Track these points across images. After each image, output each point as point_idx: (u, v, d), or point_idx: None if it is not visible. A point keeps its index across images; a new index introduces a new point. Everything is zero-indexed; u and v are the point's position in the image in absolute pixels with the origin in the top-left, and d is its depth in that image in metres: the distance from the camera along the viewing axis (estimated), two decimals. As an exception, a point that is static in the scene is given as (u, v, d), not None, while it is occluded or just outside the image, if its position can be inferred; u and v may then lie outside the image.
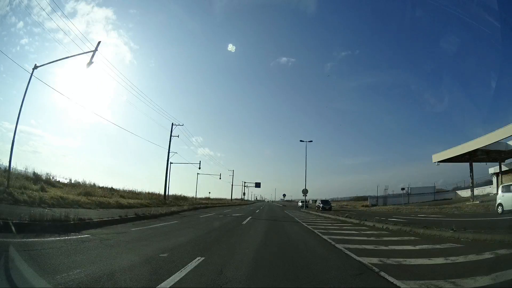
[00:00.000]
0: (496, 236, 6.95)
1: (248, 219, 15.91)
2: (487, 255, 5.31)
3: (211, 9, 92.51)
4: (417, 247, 6.55)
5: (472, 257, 5.20)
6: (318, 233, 9.83)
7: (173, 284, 3.38)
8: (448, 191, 47.57)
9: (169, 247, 5.83)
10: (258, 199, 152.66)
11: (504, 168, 29.99)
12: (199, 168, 41.64)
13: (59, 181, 20.23)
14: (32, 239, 5.65)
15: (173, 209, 19.08)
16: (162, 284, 3.33)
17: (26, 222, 6.59)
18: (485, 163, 31.86)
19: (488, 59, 43.24)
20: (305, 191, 35.84)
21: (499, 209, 15.47)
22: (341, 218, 16.89)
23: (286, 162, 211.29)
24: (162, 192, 29.96)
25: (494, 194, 23.42)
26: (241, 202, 70.81)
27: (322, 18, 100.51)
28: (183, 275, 3.77)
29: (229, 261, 4.83)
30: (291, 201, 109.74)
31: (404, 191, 39.12)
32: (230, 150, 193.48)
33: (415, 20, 37.57)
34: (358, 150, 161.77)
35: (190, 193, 51.83)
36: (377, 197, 49.42)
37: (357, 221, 14.07)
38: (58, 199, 12.25)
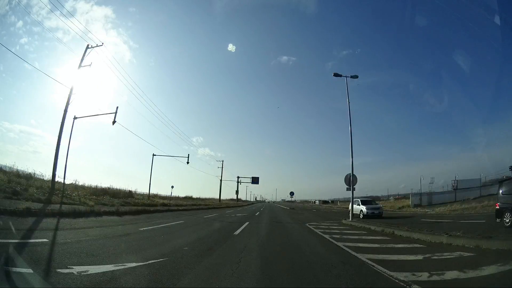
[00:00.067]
0: None
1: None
2: None
3: (211, 9, 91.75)
4: None
5: None
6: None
7: None
8: (491, 185, 38.49)
9: None
10: (258, 199, 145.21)
11: None
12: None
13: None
14: None
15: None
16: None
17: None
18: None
19: (488, 59, 42.94)
20: (350, 180, 16.48)
21: None
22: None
23: (286, 162, 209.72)
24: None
25: None
26: (236, 204, 54.84)
27: (323, 17, 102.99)
28: None
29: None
30: (293, 201, 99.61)
31: (453, 185, 29.25)
32: (230, 150, 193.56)
33: (415, 20, 34.45)
34: (360, 150, 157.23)
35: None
36: (420, 195, 36.39)
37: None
38: None
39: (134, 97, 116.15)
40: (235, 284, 3.72)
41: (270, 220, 17.15)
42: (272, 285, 3.83)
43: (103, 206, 14.78)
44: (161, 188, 75.95)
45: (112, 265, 4.32)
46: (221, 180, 52.17)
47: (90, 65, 16.87)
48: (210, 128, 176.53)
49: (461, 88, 50.61)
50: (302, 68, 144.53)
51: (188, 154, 36.05)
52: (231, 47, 55.11)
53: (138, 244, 6.62)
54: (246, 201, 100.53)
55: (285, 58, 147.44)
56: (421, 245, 7.07)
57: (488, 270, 4.38)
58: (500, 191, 11.28)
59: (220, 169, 51.98)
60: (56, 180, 15.08)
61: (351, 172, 16.47)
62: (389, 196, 65.51)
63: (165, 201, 27.96)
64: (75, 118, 16.68)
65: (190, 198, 46.91)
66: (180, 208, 24.68)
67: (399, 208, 33.30)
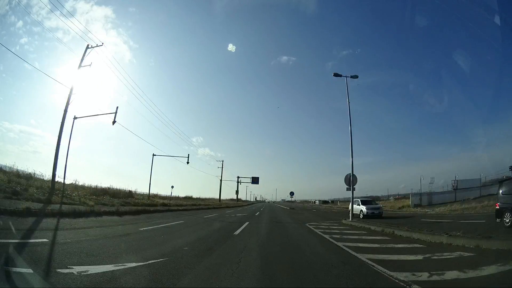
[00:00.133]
0: None
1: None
2: None
3: (211, 9, 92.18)
4: None
5: None
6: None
7: None
8: (491, 185, 38.45)
9: None
10: (258, 199, 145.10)
11: None
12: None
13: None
14: None
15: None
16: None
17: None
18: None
19: (488, 59, 42.02)
20: (350, 180, 16.56)
21: None
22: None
23: (286, 162, 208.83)
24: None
25: None
26: (236, 204, 54.97)
27: (323, 17, 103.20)
28: None
29: None
30: (293, 201, 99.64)
31: (453, 185, 29.22)
32: (230, 150, 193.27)
33: (415, 20, 34.45)
34: (360, 150, 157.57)
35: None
36: (420, 195, 36.40)
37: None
38: None
39: (134, 97, 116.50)
40: (235, 284, 3.72)
41: (270, 220, 17.16)
42: (272, 285, 3.82)
43: (103, 206, 14.76)
44: (161, 188, 76.10)
45: (112, 265, 4.32)
46: (221, 180, 52.16)
47: (90, 65, 16.91)
48: (210, 128, 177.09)
49: (461, 88, 50.79)
50: (302, 68, 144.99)
51: (188, 154, 36.16)
52: (231, 47, 55.57)
53: (138, 244, 6.62)
54: (246, 201, 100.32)
55: (285, 58, 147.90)
56: (421, 245, 7.07)
57: (488, 270, 4.38)
58: (500, 191, 11.28)
59: (220, 169, 52.02)
60: (56, 180, 15.09)
61: (351, 172, 16.47)
62: (389, 196, 65.46)
63: (165, 201, 27.92)
64: (75, 118, 16.72)
65: (190, 198, 46.93)
66: (180, 208, 24.65)
67: (399, 208, 33.26)
